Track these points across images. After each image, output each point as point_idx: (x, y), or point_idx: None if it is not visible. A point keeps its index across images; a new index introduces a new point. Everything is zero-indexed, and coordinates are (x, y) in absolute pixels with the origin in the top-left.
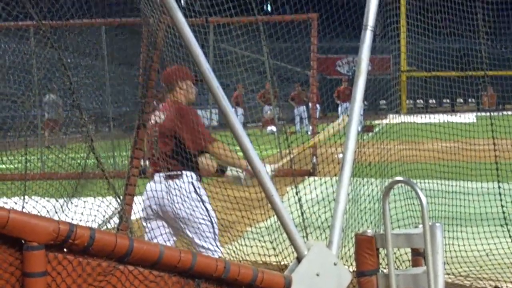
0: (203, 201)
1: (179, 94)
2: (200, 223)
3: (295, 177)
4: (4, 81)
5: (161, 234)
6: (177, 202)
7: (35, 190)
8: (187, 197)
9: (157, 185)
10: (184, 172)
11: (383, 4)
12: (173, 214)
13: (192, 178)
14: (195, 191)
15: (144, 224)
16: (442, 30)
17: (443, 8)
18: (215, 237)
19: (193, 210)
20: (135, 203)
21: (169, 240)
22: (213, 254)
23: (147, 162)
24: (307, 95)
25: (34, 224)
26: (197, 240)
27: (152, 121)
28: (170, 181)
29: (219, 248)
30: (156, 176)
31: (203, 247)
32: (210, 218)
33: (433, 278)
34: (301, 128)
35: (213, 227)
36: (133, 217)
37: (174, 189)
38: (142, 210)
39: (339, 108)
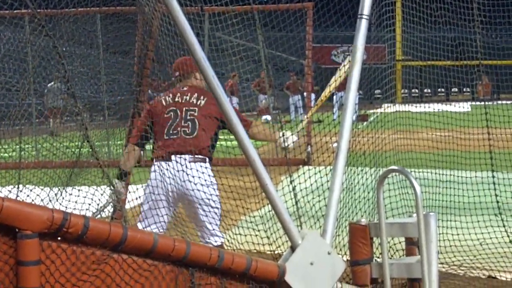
0: (216, 191)
1: (196, 83)
2: (213, 210)
3: (289, 166)
4: None
5: (155, 223)
6: (200, 187)
7: (29, 178)
8: (210, 182)
9: (178, 167)
10: (207, 158)
11: None
12: (192, 197)
13: (210, 165)
14: (213, 181)
15: (146, 207)
16: (437, 19)
17: None
18: (219, 224)
19: (214, 196)
20: (129, 192)
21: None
22: (216, 242)
23: (155, 143)
24: (302, 84)
25: (28, 212)
26: (207, 225)
27: (175, 100)
28: (194, 164)
29: (222, 237)
30: (178, 158)
31: (210, 232)
32: (220, 208)
33: (427, 267)
34: (296, 117)
35: (220, 216)
36: (127, 206)
37: (198, 173)
38: (157, 188)
39: (334, 97)
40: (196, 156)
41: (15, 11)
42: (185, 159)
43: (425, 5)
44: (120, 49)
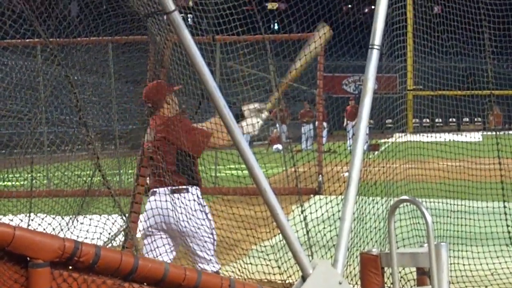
0: (208, 218)
1: (167, 110)
2: (204, 238)
3: (300, 195)
4: (11, 98)
5: (161, 254)
6: (184, 218)
7: (40, 207)
8: (194, 212)
9: (162, 200)
10: (189, 187)
11: (390, 24)
12: (179, 229)
13: (197, 194)
14: (201, 208)
15: (145, 240)
16: (448, 49)
17: (450, 28)
18: (214, 252)
19: (200, 225)
20: (140, 221)
21: (167, 253)
22: (214, 267)
23: (148, 178)
24: (313, 114)
25: (39, 241)
26: (200, 253)
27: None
28: (175, 195)
29: (218, 263)
30: (161, 190)
31: (205, 260)
32: (214, 234)
33: None
34: (307, 146)
35: (214, 243)
36: (138, 235)
37: (181, 204)
38: (145, 223)
39: (349, 128)
40: (172, 188)
41: (28, 40)
42: (160, 195)
43: (436, 36)
44: (132, 78)
